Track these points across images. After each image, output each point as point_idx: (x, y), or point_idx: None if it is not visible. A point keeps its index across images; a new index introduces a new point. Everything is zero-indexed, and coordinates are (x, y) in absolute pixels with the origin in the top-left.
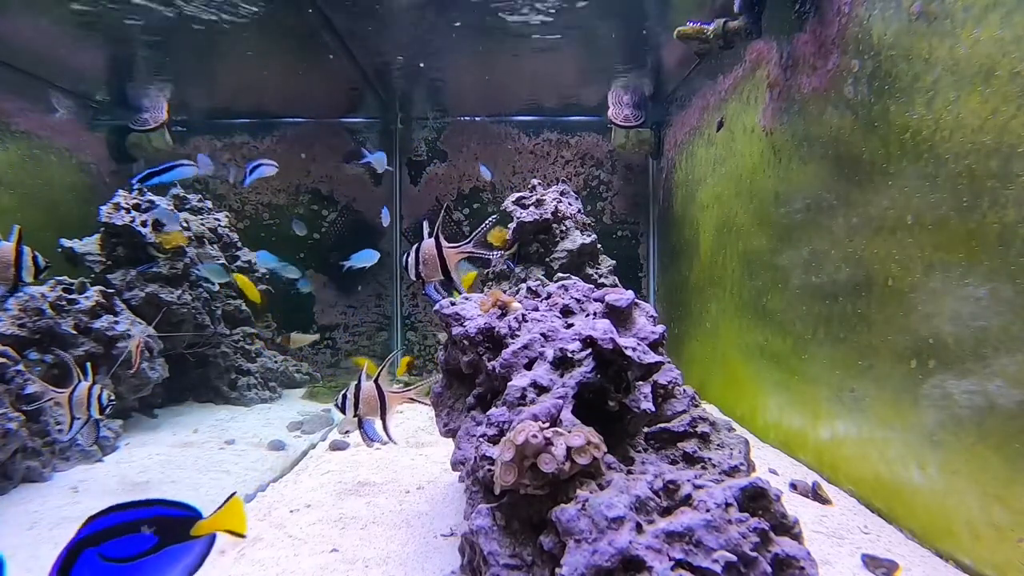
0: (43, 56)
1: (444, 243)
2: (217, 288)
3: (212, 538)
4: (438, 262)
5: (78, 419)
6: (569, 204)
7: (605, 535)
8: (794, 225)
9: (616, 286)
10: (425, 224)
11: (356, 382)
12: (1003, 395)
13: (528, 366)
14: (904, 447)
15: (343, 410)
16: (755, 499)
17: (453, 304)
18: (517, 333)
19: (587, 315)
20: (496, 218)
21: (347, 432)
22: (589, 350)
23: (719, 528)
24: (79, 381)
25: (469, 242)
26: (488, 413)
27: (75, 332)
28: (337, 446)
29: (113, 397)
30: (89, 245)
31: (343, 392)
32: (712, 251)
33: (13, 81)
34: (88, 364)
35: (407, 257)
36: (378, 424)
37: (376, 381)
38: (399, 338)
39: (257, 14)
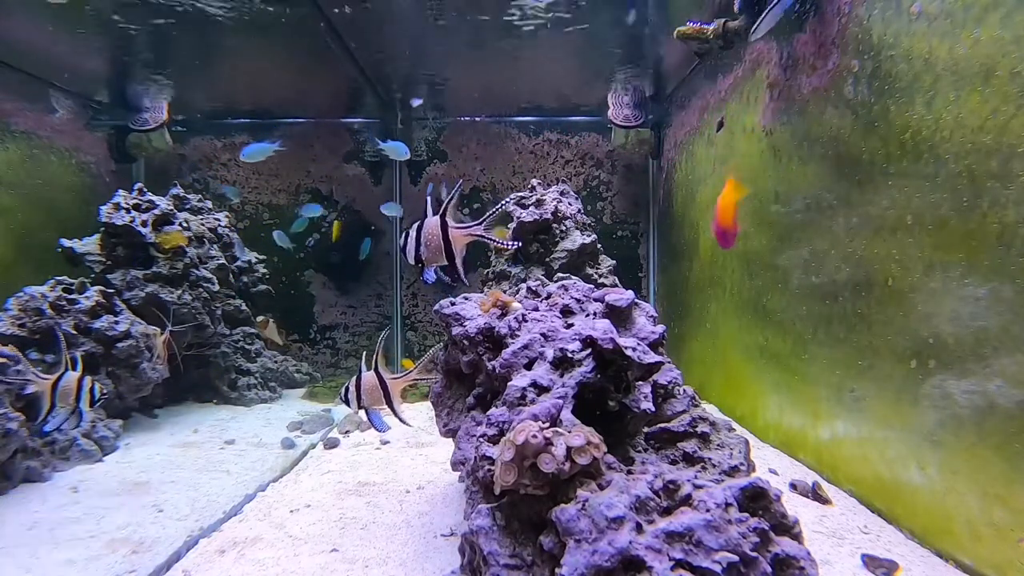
0: (43, 56)
1: (451, 223)
2: (217, 288)
3: None
4: (442, 244)
5: (63, 408)
6: (569, 204)
7: (605, 535)
8: (794, 225)
9: (616, 286)
10: (429, 199)
11: (356, 375)
12: (1003, 395)
13: (528, 366)
14: (904, 447)
15: (348, 404)
16: (755, 499)
17: (453, 304)
18: (517, 333)
19: (587, 315)
20: (514, 197)
21: (347, 432)
22: (589, 350)
23: (719, 528)
24: (66, 370)
25: (481, 223)
26: (488, 413)
27: (75, 332)
28: (331, 444)
29: (106, 391)
30: (89, 245)
31: (345, 386)
32: (712, 251)
33: (13, 81)
34: (79, 355)
35: (406, 237)
36: (386, 412)
37: (376, 370)
38: (399, 338)
39: (256, 12)
